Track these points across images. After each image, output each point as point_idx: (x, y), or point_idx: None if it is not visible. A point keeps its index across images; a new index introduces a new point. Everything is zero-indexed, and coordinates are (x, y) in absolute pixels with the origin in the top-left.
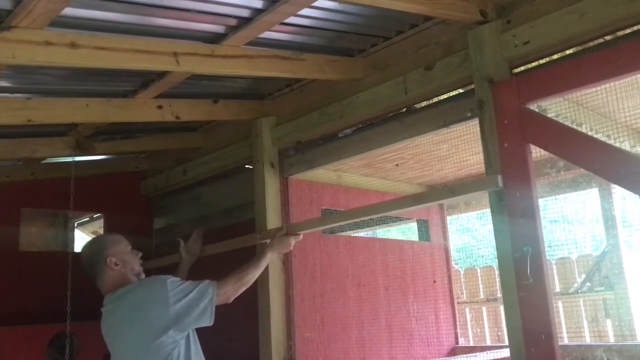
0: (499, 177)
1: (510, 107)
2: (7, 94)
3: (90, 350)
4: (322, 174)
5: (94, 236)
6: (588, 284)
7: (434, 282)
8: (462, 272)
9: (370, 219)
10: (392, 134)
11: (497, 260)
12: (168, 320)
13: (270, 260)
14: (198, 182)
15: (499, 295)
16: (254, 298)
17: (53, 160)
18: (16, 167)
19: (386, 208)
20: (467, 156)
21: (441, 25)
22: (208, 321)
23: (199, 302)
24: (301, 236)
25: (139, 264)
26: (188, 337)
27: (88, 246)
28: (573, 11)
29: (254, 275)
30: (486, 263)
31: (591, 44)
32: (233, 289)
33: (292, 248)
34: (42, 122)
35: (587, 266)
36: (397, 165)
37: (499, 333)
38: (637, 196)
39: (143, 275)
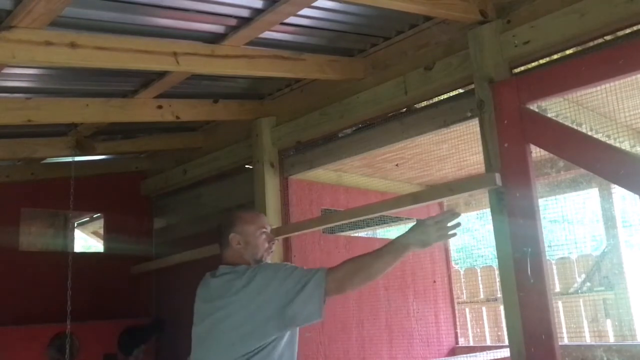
0: (497, 175)
1: (510, 107)
2: (7, 94)
3: (90, 350)
4: (322, 174)
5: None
6: (588, 284)
7: (434, 282)
8: (462, 272)
9: (370, 219)
10: (392, 134)
11: (497, 260)
12: (276, 305)
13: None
14: (198, 182)
15: (499, 295)
16: None
17: (53, 160)
18: (16, 167)
19: (384, 207)
20: (467, 156)
21: (441, 25)
22: (317, 313)
23: (305, 288)
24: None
25: (268, 250)
26: (285, 340)
27: (224, 216)
28: (573, 11)
29: (373, 263)
30: (486, 263)
31: (591, 44)
32: (344, 278)
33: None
34: (42, 122)
35: (587, 266)
36: (397, 165)
37: (499, 333)
38: (637, 196)
39: (268, 262)
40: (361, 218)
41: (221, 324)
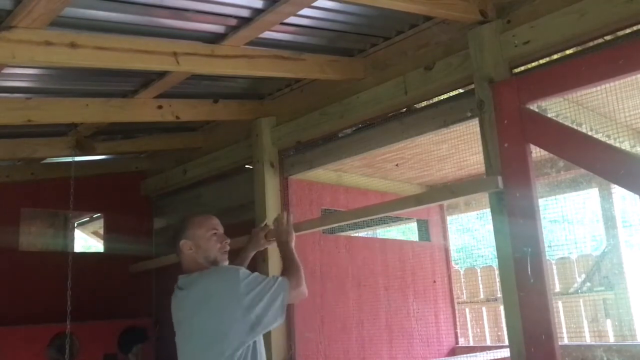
0: (499, 178)
1: (510, 107)
2: (7, 94)
3: (90, 350)
4: (322, 174)
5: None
6: (588, 284)
7: (434, 282)
8: (462, 272)
9: (370, 219)
10: (392, 134)
11: (497, 260)
12: (239, 311)
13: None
14: (198, 182)
15: (499, 295)
16: None
17: (53, 160)
18: (16, 167)
19: (387, 209)
20: (467, 156)
21: (441, 25)
22: (280, 314)
23: (270, 292)
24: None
25: (221, 250)
26: (254, 343)
27: (176, 223)
28: (573, 11)
29: (298, 263)
30: (486, 263)
31: (591, 44)
32: (300, 280)
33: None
34: (42, 122)
35: (587, 266)
36: (397, 165)
37: (499, 333)
38: (637, 196)
39: (224, 263)
40: (364, 219)
41: (195, 332)
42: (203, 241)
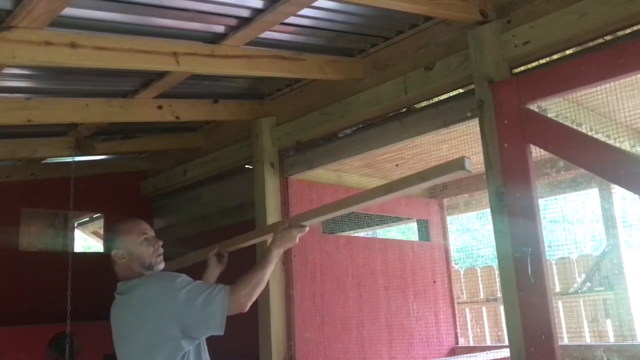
0: (467, 160)
1: (510, 107)
2: (7, 94)
3: (90, 350)
4: (322, 174)
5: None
6: (588, 284)
7: (434, 282)
8: (462, 272)
9: (370, 219)
10: (392, 134)
11: (497, 260)
12: (175, 320)
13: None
14: (198, 182)
15: (499, 295)
16: None
17: (53, 160)
18: (16, 167)
19: (359, 200)
20: (467, 156)
21: (441, 25)
22: (218, 327)
23: (209, 305)
24: (307, 228)
25: (155, 253)
26: (198, 347)
27: (106, 233)
28: (573, 11)
29: (263, 276)
30: (486, 263)
31: (591, 44)
32: (246, 296)
33: (297, 241)
34: (42, 122)
35: (587, 266)
36: (397, 165)
37: (499, 333)
38: (637, 196)
39: (160, 266)
40: (356, 207)
41: (133, 337)
42: (135, 247)
